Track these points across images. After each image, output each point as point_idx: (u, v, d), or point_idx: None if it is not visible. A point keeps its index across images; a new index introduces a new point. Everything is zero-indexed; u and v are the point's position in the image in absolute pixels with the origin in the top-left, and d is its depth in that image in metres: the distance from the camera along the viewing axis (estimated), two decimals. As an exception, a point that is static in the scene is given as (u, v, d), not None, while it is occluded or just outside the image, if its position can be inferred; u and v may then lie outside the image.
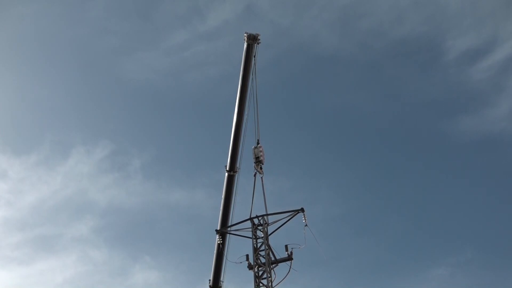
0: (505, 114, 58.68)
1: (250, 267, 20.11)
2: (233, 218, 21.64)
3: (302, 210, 20.52)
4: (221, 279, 22.01)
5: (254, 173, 21.52)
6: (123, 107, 71.18)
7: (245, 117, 20.42)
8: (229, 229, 21.48)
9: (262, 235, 20.52)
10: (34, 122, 69.48)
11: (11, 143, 70.36)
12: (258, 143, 21.50)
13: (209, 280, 22.09)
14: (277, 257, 20.18)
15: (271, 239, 20.56)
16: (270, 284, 19.14)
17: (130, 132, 72.06)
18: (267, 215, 21.04)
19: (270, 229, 20.90)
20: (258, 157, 21.33)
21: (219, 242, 21.29)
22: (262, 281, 19.36)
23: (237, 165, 21.09)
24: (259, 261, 19.96)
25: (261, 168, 21.51)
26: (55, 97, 69.41)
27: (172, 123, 70.29)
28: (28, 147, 69.94)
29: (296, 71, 64.85)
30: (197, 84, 66.37)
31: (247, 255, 20.42)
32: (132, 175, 67.11)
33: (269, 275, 19.39)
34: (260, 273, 19.63)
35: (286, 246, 20.17)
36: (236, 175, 21.17)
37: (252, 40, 18.95)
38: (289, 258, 20.03)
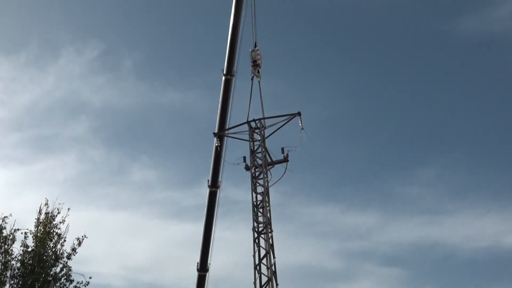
0: (508, 14, 56.91)
1: (247, 168, 20.93)
2: (230, 121, 22.00)
3: (299, 114, 20.90)
4: (219, 179, 22.92)
5: (251, 76, 21.42)
6: (112, 3, 68.01)
7: (242, 18, 19.79)
8: (226, 132, 21.93)
9: (259, 138, 21.06)
10: (20, 20, 66.77)
11: (-2, 42, 68.27)
12: (255, 46, 21.09)
13: (208, 180, 23.01)
14: (273, 159, 20.97)
15: (267, 142, 21.19)
16: (266, 184, 20.05)
17: (120, 31, 69.71)
18: (264, 118, 21.41)
19: (267, 132, 21.44)
20: (256, 61, 21.06)
21: (216, 144, 21.84)
22: (258, 181, 20.26)
23: (234, 68, 20.89)
24: (256, 162, 20.71)
25: (258, 71, 21.35)
26: (40, -7, 66.08)
27: (165, 21, 67.76)
28: (15, 46, 67.89)
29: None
30: (191, -19, 63.00)
31: (244, 157, 21.18)
32: (125, 75, 66.34)
33: (265, 176, 20.26)
34: (257, 173, 20.47)
35: (282, 148, 20.86)
36: (233, 78, 21.06)
37: None
38: (285, 160, 20.78)
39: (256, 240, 18.64)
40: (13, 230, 19.18)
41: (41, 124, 65.90)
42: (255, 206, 19.52)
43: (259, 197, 19.80)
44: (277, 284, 17.47)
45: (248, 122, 21.39)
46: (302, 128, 20.58)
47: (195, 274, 24.97)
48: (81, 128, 63.18)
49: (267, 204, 19.41)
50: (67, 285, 19.17)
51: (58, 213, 20.22)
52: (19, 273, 18.65)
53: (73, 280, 19.29)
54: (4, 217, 19.37)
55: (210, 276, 25.35)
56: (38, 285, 18.49)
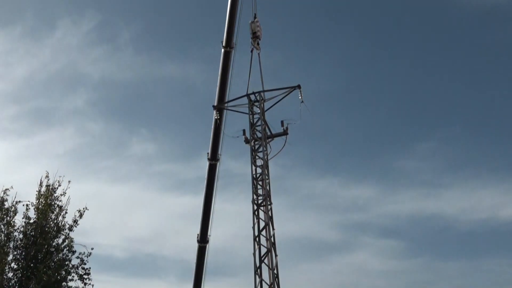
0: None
1: (247, 141, 20.97)
2: (229, 94, 21.89)
3: (298, 86, 20.76)
4: (219, 152, 22.96)
5: (251, 49, 21.19)
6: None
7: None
8: (226, 105, 21.85)
9: (259, 111, 21.02)
10: (14, -9, 65.46)
11: (-8, 13, 67.16)
12: (255, 18, 20.80)
13: (208, 153, 23.06)
14: (273, 132, 20.98)
15: (266, 115, 21.15)
16: (265, 157, 20.13)
17: (117, 1, 68.51)
18: (263, 91, 21.30)
19: (266, 105, 21.37)
20: (255, 33, 20.81)
21: (216, 117, 21.79)
22: (258, 154, 20.33)
23: (234, 40, 20.65)
24: (255, 135, 20.73)
25: (258, 44, 21.12)
26: (34, -37, 64.67)
27: (162, -9, 66.53)
28: (11, 18, 66.76)
29: None
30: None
31: (244, 130, 21.19)
32: (122, 48, 65.59)
33: (265, 149, 20.32)
34: (256, 146, 20.52)
35: (282, 121, 20.83)
36: (233, 51, 20.84)
37: None
38: (285, 133, 20.79)
39: (256, 212, 18.84)
40: (14, 202, 19.36)
41: (39, 96, 65.50)
42: (254, 179, 19.64)
43: (259, 170, 19.91)
44: (276, 255, 17.75)
45: (247, 95, 21.30)
46: (302, 101, 20.50)
47: (195, 246, 25.36)
48: (79, 100, 62.88)
49: (267, 177, 19.53)
50: (69, 256, 19.48)
51: (59, 185, 20.38)
52: (22, 244, 18.92)
53: (75, 251, 19.59)
54: (6, 189, 19.51)
55: (210, 247, 25.80)
56: (41, 256, 18.79)
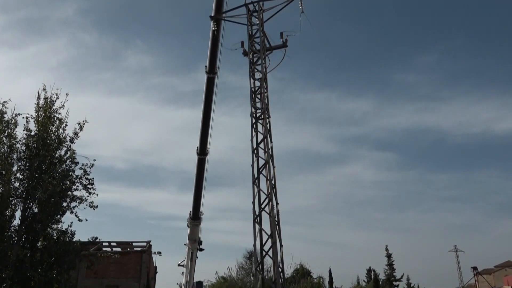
0: None
1: (245, 53, 20.56)
2: (227, 4, 21.04)
3: (299, -5, 19.91)
4: (217, 65, 22.61)
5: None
6: None
7: None
8: (223, 15, 21.09)
9: (257, 22, 20.36)
10: None
11: None
12: None
13: (205, 66, 22.72)
14: (272, 44, 20.49)
15: (265, 26, 20.49)
16: (264, 70, 19.88)
17: None
18: (262, 0, 20.46)
19: (265, 15, 20.64)
20: None
21: (213, 28, 21.14)
22: (256, 67, 20.04)
23: None
24: (254, 48, 20.28)
25: None
26: None
27: None
28: None
29: None
30: None
31: (242, 42, 20.67)
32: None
33: (263, 61, 20.00)
34: (255, 59, 20.17)
35: (281, 33, 20.31)
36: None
37: None
38: (284, 45, 20.33)
39: (254, 126, 19.03)
40: (14, 115, 19.52)
41: (28, 6, 62.90)
42: (253, 92, 19.56)
43: (257, 83, 19.75)
44: (274, 167, 18.24)
45: (246, 5, 20.48)
46: (302, 12, 19.76)
47: (195, 158, 26.03)
48: (70, 9, 60.50)
49: (265, 90, 19.45)
50: (72, 167, 20.07)
51: (57, 98, 20.39)
52: (25, 156, 19.38)
53: (78, 163, 20.16)
54: (4, 102, 19.57)
55: (209, 159, 26.50)
56: (44, 166, 19.31)
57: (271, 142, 18.62)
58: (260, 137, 18.89)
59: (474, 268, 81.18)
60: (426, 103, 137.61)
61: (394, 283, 61.36)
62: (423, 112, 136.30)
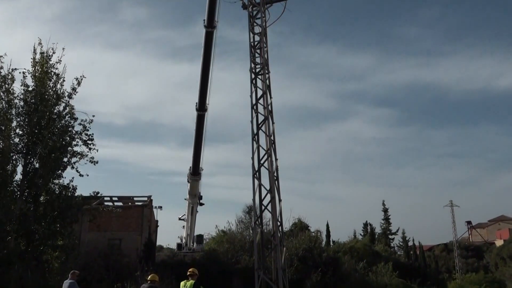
0: None
1: (244, 6, 20.06)
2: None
3: None
4: (216, 19, 22.11)
5: None
6: None
7: None
8: (222, -34, 20.42)
9: (257, -26, 19.75)
10: None
11: None
12: None
13: (204, 20, 22.22)
14: (272, -3, 19.98)
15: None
16: (264, 24, 19.49)
17: None
18: (262, -49, 19.77)
19: (265, -33, 20.00)
20: None
21: (212, -20, 20.54)
22: (256, 21, 19.62)
23: None
24: (253, 0, 19.79)
25: None
26: None
27: None
28: None
29: None
30: None
31: (241, -5, 20.12)
32: None
33: (263, 15, 19.57)
34: (254, 13, 19.72)
35: (281, -15, 19.72)
36: None
37: None
38: (284, -3, 19.81)
39: (253, 81, 18.87)
40: (11, 70, 19.30)
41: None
42: (252, 47, 19.27)
43: (257, 38, 19.42)
44: (273, 123, 18.26)
45: (245, -45, 19.81)
46: (303, -37, 19.13)
47: (194, 114, 26.00)
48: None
49: (265, 45, 19.15)
50: (72, 123, 20.09)
51: (53, 53, 20.10)
52: (24, 111, 19.34)
53: (77, 118, 20.16)
54: (0, 56, 19.28)
55: (208, 115, 26.48)
56: (44, 122, 19.32)
57: (271, 97, 18.54)
58: (260, 92, 18.79)
59: (468, 222, 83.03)
60: (427, 58, 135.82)
61: (390, 236, 62.89)
62: (423, 68, 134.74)
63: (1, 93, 19.03)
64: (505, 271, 45.47)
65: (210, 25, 22.17)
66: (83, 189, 21.26)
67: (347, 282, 28.73)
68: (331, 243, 48.61)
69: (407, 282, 36.60)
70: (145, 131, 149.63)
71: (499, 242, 67.75)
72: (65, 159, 19.75)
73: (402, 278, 36.41)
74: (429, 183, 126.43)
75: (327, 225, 51.96)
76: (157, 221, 35.47)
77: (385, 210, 64.25)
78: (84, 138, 20.04)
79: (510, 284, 42.12)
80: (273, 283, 16.58)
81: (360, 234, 60.14)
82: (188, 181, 30.46)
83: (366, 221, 62.20)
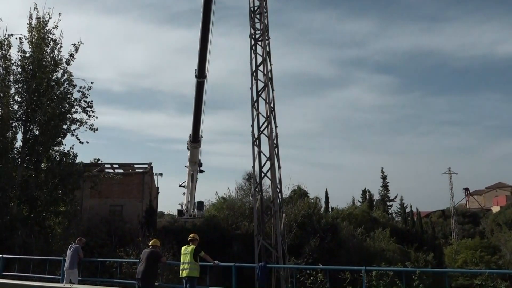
0: None
1: (244, -30, 19.58)
2: None
3: None
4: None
5: None
6: None
7: None
8: None
9: None
10: None
11: None
12: None
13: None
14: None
15: None
16: (264, -12, 19.06)
17: None
18: None
19: None
20: None
21: None
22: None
23: None
24: (253, -36, 19.31)
25: None
26: None
27: None
28: None
29: None
30: None
31: (241, -42, 19.60)
32: None
33: (263, -21, 19.12)
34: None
35: None
36: None
37: None
38: (285, -39, 19.30)
39: (253, 47, 18.64)
40: (7, 35, 19.00)
41: None
42: (252, 12, 18.93)
43: (256, 3, 19.05)
44: (273, 90, 18.17)
45: None
46: None
47: (192, 81, 25.79)
48: None
49: (265, 10, 18.81)
50: (70, 90, 19.95)
51: (50, 18, 19.75)
52: (21, 78, 19.17)
53: (75, 85, 20.01)
54: (-6, 22, 18.94)
55: (208, 82, 26.26)
56: (42, 89, 19.18)
57: (271, 64, 18.38)
58: (259, 59, 18.60)
59: (466, 189, 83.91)
60: (430, 23, 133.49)
61: (388, 203, 63.59)
62: (425, 33, 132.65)
63: (-2, 60, 18.81)
64: (501, 237, 46.30)
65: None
66: (84, 157, 21.35)
67: (345, 247, 29.29)
68: (330, 210, 49.20)
69: (404, 247, 37.33)
70: (143, 98, 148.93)
71: (495, 209, 68.67)
72: (65, 126, 19.73)
73: (399, 244, 37.13)
74: (428, 150, 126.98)
75: (326, 192, 52.47)
76: (157, 188, 35.79)
77: (384, 177, 64.77)
78: (83, 105, 19.96)
79: (505, 249, 42.95)
80: (272, 248, 16.90)
81: (359, 201, 60.81)
82: (188, 148, 30.57)
83: (365, 188, 62.74)
